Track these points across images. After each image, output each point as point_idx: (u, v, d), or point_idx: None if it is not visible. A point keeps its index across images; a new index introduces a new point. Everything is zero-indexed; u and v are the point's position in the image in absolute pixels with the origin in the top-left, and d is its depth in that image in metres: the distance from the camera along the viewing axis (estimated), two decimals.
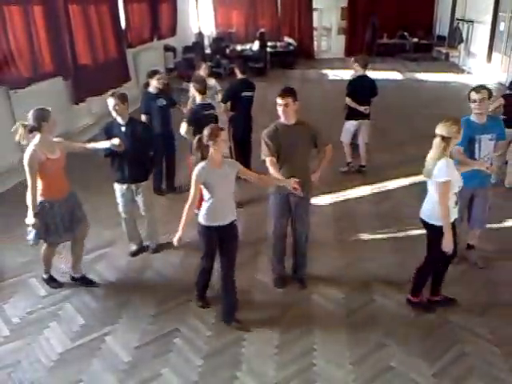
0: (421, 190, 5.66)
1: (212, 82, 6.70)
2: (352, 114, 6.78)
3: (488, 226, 4.87)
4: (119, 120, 4.55)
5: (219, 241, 3.76)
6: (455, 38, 15.71)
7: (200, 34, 16.58)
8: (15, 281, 4.60)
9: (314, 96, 11.72)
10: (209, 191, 3.60)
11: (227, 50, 15.34)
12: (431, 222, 3.74)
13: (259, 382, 3.41)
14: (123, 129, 4.54)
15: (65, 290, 4.44)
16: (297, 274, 4.49)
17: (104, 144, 4.41)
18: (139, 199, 4.81)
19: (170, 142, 6.26)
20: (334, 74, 14.94)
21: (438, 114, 9.50)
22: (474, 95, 4.17)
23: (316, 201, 5.47)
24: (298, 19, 17.79)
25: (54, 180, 4.03)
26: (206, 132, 3.51)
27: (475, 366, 3.48)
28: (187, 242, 5.13)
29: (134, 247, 5.04)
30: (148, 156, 4.80)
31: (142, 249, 5.08)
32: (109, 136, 4.50)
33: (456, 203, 3.69)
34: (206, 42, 16.80)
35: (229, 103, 6.36)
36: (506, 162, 6.40)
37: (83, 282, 4.47)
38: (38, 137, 3.88)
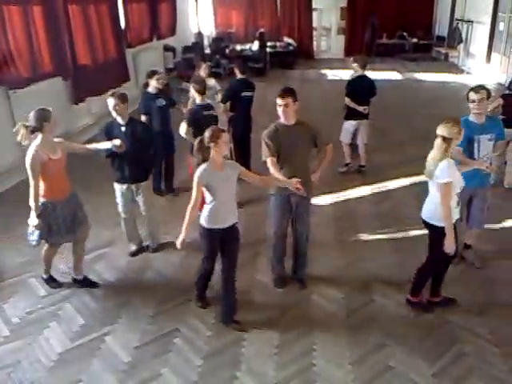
0: (421, 190, 5.67)
1: (212, 82, 6.71)
2: (351, 114, 6.79)
3: (487, 226, 4.88)
4: (119, 120, 4.55)
5: (221, 243, 3.75)
6: (454, 38, 15.73)
7: (199, 34, 16.58)
8: (15, 281, 4.60)
9: (314, 96, 11.73)
10: (211, 194, 3.58)
11: (227, 50, 15.34)
12: (433, 222, 3.74)
13: (259, 382, 3.41)
14: (123, 129, 4.54)
15: (64, 290, 4.44)
16: (297, 274, 4.49)
17: (105, 145, 4.41)
18: (139, 199, 4.81)
19: (169, 143, 6.26)
20: (333, 74, 14.94)
21: (436, 114, 9.57)
22: (472, 95, 4.17)
23: (316, 201, 5.47)
24: (297, 19, 17.80)
25: (56, 180, 4.03)
26: (207, 134, 3.48)
27: (475, 366, 3.48)
28: (188, 243, 5.16)
29: (133, 247, 5.05)
30: (148, 156, 4.80)
31: (141, 249, 5.08)
32: (109, 136, 4.51)
33: (458, 203, 3.70)
34: (206, 42, 16.81)
35: (228, 103, 6.36)
36: (505, 162, 6.41)
37: (85, 283, 4.46)
38: (39, 137, 3.87)
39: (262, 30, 15.63)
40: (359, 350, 3.66)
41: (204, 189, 3.58)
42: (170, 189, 6.48)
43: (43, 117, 3.84)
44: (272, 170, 3.90)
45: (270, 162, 3.93)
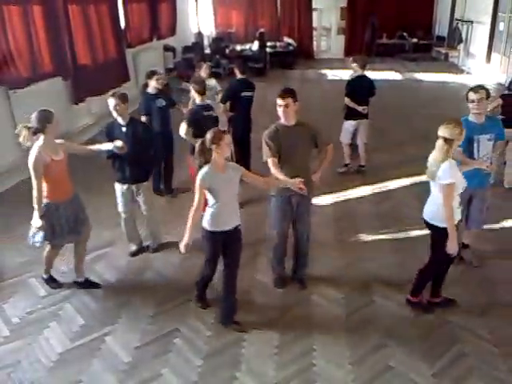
0: (421, 190, 5.67)
1: (212, 82, 6.70)
2: (350, 114, 6.79)
3: (487, 226, 4.89)
4: (120, 120, 4.56)
5: (223, 245, 3.74)
6: (454, 38, 15.73)
7: (199, 34, 16.58)
8: (15, 281, 4.60)
9: (314, 96, 11.73)
10: (213, 196, 3.55)
11: (227, 50, 15.34)
12: (435, 223, 3.74)
13: (259, 382, 3.41)
14: (124, 129, 4.55)
15: (64, 291, 4.44)
16: (297, 274, 4.49)
17: (107, 146, 4.42)
18: (140, 199, 4.82)
19: (169, 143, 6.26)
20: (333, 74, 14.94)
21: (436, 114, 9.59)
22: (472, 95, 4.17)
23: (316, 201, 5.47)
24: (297, 19, 17.80)
25: (59, 182, 4.03)
26: (208, 136, 3.46)
27: (475, 366, 3.49)
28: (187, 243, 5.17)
29: (133, 247, 5.05)
30: (148, 156, 4.80)
31: (141, 249, 5.08)
32: (110, 137, 4.52)
33: (460, 204, 3.71)
34: (206, 42, 16.81)
35: (228, 103, 6.36)
36: (505, 162, 6.41)
37: (86, 285, 4.45)
38: (41, 139, 3.87)
39: (261, 30, 15.63)
40: (359, 350, 3.66)
41: (206, 191, 3.55)
42: (168, 189, 6.47)
43: (45, 118, 3.84)
44: (273, 170, 3.90)
45: (271, 162, 3.93)
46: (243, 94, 6.35)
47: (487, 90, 4.22)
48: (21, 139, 3.82)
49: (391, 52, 17.35)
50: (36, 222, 3.91)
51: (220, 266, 3.89)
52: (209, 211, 3.63)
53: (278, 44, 16.36)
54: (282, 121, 4.00)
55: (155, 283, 4.58)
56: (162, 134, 6.00)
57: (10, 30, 6.58)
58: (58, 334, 3.91)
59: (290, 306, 4.19)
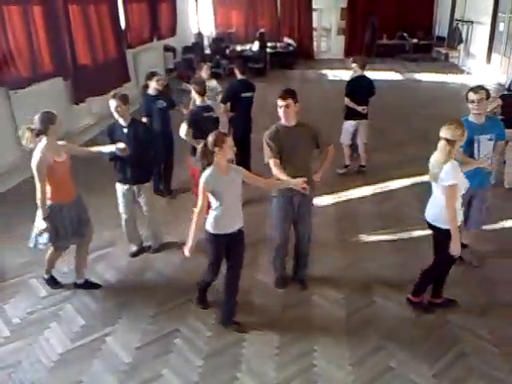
0: (422, 190, 5.67)
1: (213, 83, 6.70)
2: (350, 114, 6.80)
3: (488, 226, 4.89)
4: (121, 122, 4.56)
5: (226, 248, 3.72)
6: (455, 38, 15.74)
7: (200, 35, 16.59)
8: (16, 281, 4.60)
9: (314, 96, 11.73)
10: (217, 199, 3.53)
11: (227, 51, 15.34)
12: (438, 224, 3.74)
13: (259, 382, 3.42)
14: (125, 130, 4.56)
15: (65, 291, 4.44)
16: (297, 274, 4.49)
17: (109, 148, 4.42)
18: (141, 200, 4.82)
19: (169, 144, 6.26)
20: (333, 75, 14.95)
21: (436, 114, 9.59)
22: (472, 96, 4.17)
23: (317, 201, 5.47)
24: (297, 20, 17.81)
25: (62, 183, 4.03)
26: (210, 139, 3.44)
27: (475, 366, 3.49)
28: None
29: (134, 248, 5.05)
30: (150, 157, 4.80)
31: (142, 249, 5.08)
32: (112, 137, 4.54)
33: (462, 205, 3.71)
34: (206, 43, 16.81)
35: (228, 104, 6.37)
36: (504, 162, 6.41)
37: (86, 286, 4.45)
38: (44, 140, 3.87)
39: (262, 30, 15.64)
40: (360, 351, 3.66)
41: (209, 194, 3.53)
42: (168, 190, 6.47)
43: (48, 119, 3.84)
44: (276, 171, 3.89)
45: (272, 163, 3.92)
46: (243, 94, 6.36)
47: (487, 91, 4.22)
48: (24, 142, 3.82)
49: (391, 52, 17.35)
50: (40, 223, 3.91)
51: (222, 269, 3.88)
52: (212, 214, 3.60)
53: (278, 44, 16.36)
54: (283, 121, 4.00)
55: (156, 283, 4.58)
56: (162, 134, 6.00)
57: (11, 30, 6.59)
58: (58, 334, 3.91)
59: (291, 307, 4.19)
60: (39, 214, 3.92)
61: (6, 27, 6.49)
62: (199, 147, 3.55)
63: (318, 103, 10.95)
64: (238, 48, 15.66)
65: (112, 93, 4.64)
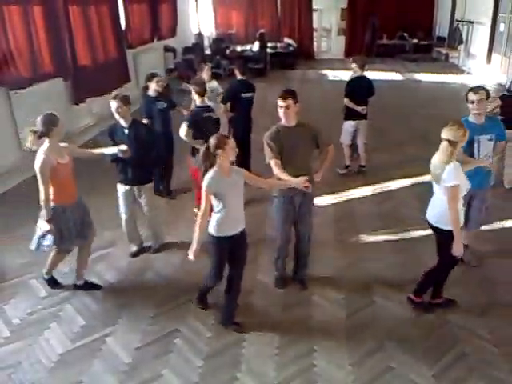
0: (422, 190, 5.67)
1: (214, 84, 6.70)
2: (350, 115, 6.81)
3: (487, 226, 4.88)
4: (122, 123, 4.57)
5: (229, 250, 3.69)
6: (455, 38, 15.75)
7: (200, 35, 16.60)
8: (15, 282, 4.60)
9: (314, 96, 11.74)
10: (220, 201, 3.50)
11: (227, 51, 15.35)
12: (439, 226, 3.74)
13: (259, 382, 3.41)
14: (126, 131, 4.57)
15: (65, 291, 4.44)
16: (297, 274, 4.49)
17: (110, 150, 4.43)
18: (142, 201, 4.83)
19: (169, 144, 6.26)
20: (333, 75, 14.95)
21: (435, 114, 9.59)
22: (471, 96, 4.16)
23: (318, 201, 5.47)
24: (297, 20, 17.83)
25: (65, 185, 4.04)
26: (213, 141, 3.42)
27: (475, 366, 3.49)
28: (187, 243, 5.16)
29: (134, 248, 5.05)
30: (151, 158, 4.80)
31: (142, 250, 5.09)
32: (113, 139, 4.56)
33: (463, 206, 3.71)
34: (206, 43, 16.83)
35: (228, 104, 6.37)
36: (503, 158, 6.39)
37: (86, 287, 4.44)
38: (46, 142, 3.87)
39: (262, 30, 15.65)
40: (360, 351, 3.66)
41: (212, 197, 3.51)
42: (167, 191, 6.48)
43: (51, 122, 3.85)
44: (277, 171, 3.88)
45: (273, 163, 3.92)
46: (243, 95, 6.36)
47: (487, 91, 4.22)
48: (28, 144, 3.84)
49: (391, 53, 17.37)
50: (43, 225, 3.91)
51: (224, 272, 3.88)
52: (215, 217, 3.57)
53: (278, 45, 16.38)
54: (283, 122, 4.01)
55: (156, 284, 4.58)
56: (163, 135, 6.00)
57: (11, 31, 6.59)
58: (58, 334, 3.91)
59: (291, 307, 4.19)
60: (42, 215, 3.92)
61: (7, 27, 6.49)
62: (201, 149, 3.52)
63: (318, 103, 10.95)
64: (239, 48, 15.68)
65: (113, 94, 4.64)
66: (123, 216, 4.87)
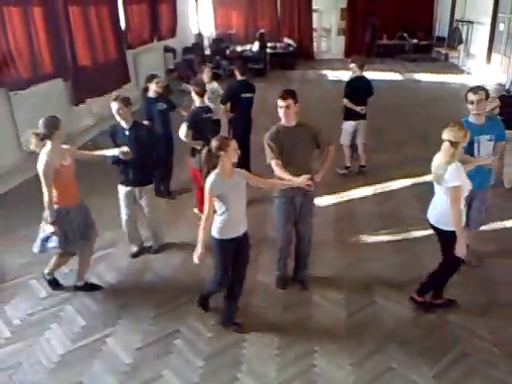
0: (422, 190, 5.67)
1: (215, 85, 6.70)
2: (349, 115, 6.81)
3: (488, 226, 4.88)
4: (123, 124, 4.58)
5: (233, 252, 3.67)
6: (455, 38, 15.75)
7: (200, 35, 16.60)
8: (16, 282, 4.61)
9: (314, 97, 11.74)
10: (222, 203, 3.49)
11: (227, 51, 15.35)
12: (441, 226, 3.74)
13: (260, 383, 3.42)
14: (127, 133, 4.58)
15: (65, 292, 4.43)
16: (298, 275, 4.49)
17: (112, 152, 4.44)
18: (143, 202, 4.84)
19: (169, 145, 6.26)
20: (333, 75, 14.94)
21: (434, 114, 9.58)
22: (471, 96, 4.16)
23: (318, 201, 5.48)
24: (297, 20, 17.82)
25: (68, 187, 4.04)
26: (215, 143, 3.42)
27: (475, 366, 3.49)
28: (187, 243, 5.17)
29: (134, 248, 5.06)
30: (151, 160, 4.81)
31: (142, 250, 5.09)
32: (114, 140, 4.58)
33: (464, 206, 3.71)
34: (206, 43, 16.82)
35: (228, 104, 6.37)
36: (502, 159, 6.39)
37: (86, 288, 4.44)
38: (49, 144, 3.88)
39: (262, 30, 15.65)
40: (360, 351, 3.66)
41: (215, 199, 3.49)
42: (167, 191, 6.48)
43: (53, 124, 3.85)
44: (278, 171, 3.88)
45: (274, 163, 3.92)
46: (243, 95, 6.36)
47: (486, 91, 4.21)
48: (32, 146, 3.85)
49: (391, 53, 17.36)
50: (48, 227, 3.91)
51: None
52: (217, 219, 3.55)
53: (278, 45, 16.37)
54: (283, 122, 4.01)
55: (156, 284, 4.58)
56: (163, 136, 6.00)
57: (11, 32, 6.59)
58: (58, 335, 3.91)
59: (291, 307, 4.19)
60: (46, 218, 3.92)
61: (7, 28, 6.50)
62: (204, 151, 3.50)
63: (318, 104, 10.95)
64: (238, 49, 15.67)
65: (114, 95, 4.64)
66: (123, 217, 4.87)
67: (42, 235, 4.00)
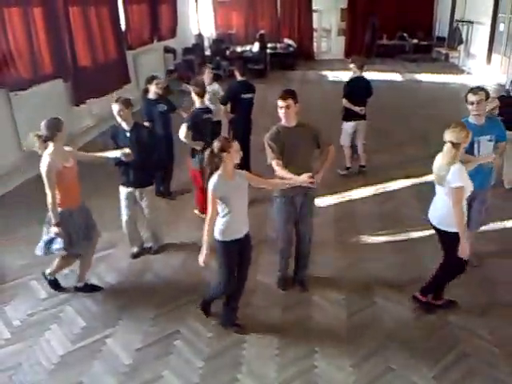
0: (422, 190, 5.67)
1: (215, 87, 6.71)
2: (349, 115, 6.80)
3: (488, 226, 4.88)
4: (124, 126, 4.58)
5: (237, 253, 3.66)
6: (455, 38, 15.74)
7: (200, 36, 16.61)
8: (16, 283, 4.61)
9: (314, 97, 11.74)
10: (225, 205, 3.48)
11: (227, 52, 15.35)
12: (442, 227, 3.74)
13: (260, 383, 3.41)
14: (128, 134, 4.58)
15: (65, 293, 4.43)
16: (297, 275, 4.48)
17: (114, 153, 4.45)
18: (143, 203, 4.84)
19: (169, 146, 6.26)
20: (333, 76, 14.94)
21: (434, 115, 9.56)
22: (471, 97, 4.15)
23: (318, 201, 5.47)
24: (297, 20, 17.82)
25: (71, 188, 4.04)
26: (217, 144, 3.41)
27: (475, 367, 3.48)
28: (187, 244, 5.18)
29: (134, 249, 5.05)
30: (152, 161, 4.81)
31: (143, 251, 5.09)
32: (115, 141, 4.59)
33: (465, 207, 3.71)
34: (206, 44, 16.83)
35: (229, 105, 6.37)
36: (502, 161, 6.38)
37: (86, 289, 4.43)
38: (51, 146, 3.88)
39: (262, 31, 15.66)
40: (360, 352, 3.66)
41: (218, 200, 3.47)
42: (167, 192, 6.48)
43: (55, 126, 3.86)
44: (280, 171, 3.87)
45: (275, 163, 3.92)
46: (243, 95, 6.36)
47: (487, 92, 4.20)
48: (37, 149, 3.86)
49: (391, 53, 17.37)
50: (52, 229, 3.91)
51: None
52: (220, 221, 3.54)
53: (278, 45, 16.36)
54: (283, 122, 4.01)
55: (156, 285, 4.58)
56: (164, 138, 6.00)
57: (11, 32, 6.59)
58: (58, 336, 3.91)
59: (291, 308, 4.19)
60: (50, 220, 3.92)
61: (7, 29, 6.50)
62: (206, 152, 3.49)
63: (318, 104, 10.95)
64: (238, 49, 15.66)
65: (115, 96, 4.64)
66: (124, 217, 4.87)
67: (45, 238, 4.00)
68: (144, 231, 5.16)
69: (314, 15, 17.97)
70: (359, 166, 7.14)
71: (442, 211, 3.72)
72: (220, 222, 3.54)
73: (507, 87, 9.96)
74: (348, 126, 6.87)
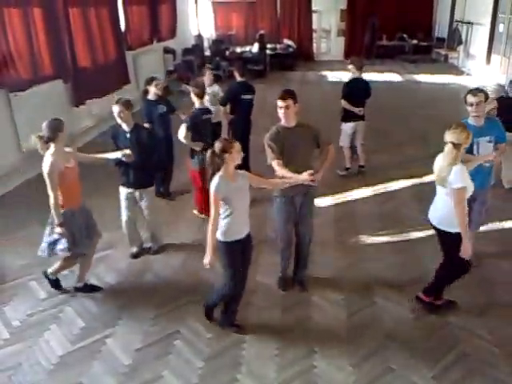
0: (421, 190, 5.67)
1: (215, 88, 6.71)
2: (348, 116, 6.81)
3: (487, 227, 4.88)
4: (124, 127, 4.59)
5: (240, 253, 3.66)
6: (454, 39, 15.76)
7: (199, 37, 16.62)
8: (15, 283, 4.60)
9: (314, 98, 11.75)
10: (227, 206, 3.47)
11: (227, 52, 15.36)
12: (443, 228, 3.74)
13: (259, 383, 3.42)
14: (128, 136, 4.59)
15: (65, 293, 4.43)
16: (297, 275, 4.48)
17: (114, 154, 4.46)
18: (143, 204, 4.84)
19: (169, 147, 6.26)
20: (333, 76, 14.95)
21: (434, 115, 9.57)
22: (470, 98, 4.14)
23: (318, 202, 5.47)
24: (297, 21, 17.84)
25: (72, 189, 4.05)
26: (219, 145, 3.40)
27: (475, 367, 3.48)
28: (187, 244, 5.18)
29: (134, 249, 5.05)
30: (152, 162, 4.81)
31: (142, 251, 5.09)
32: (115, 142, 4.60)
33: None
34: (206, 44, 16.84)
35: (228, 106, 6.37)
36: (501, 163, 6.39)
37: (86, 289, 4.43)
38: (52, 147, 3.88)
39: (261, 32, 15.66)
40: (360, 352, 3.66)
41: (220, 202, 3.46)
42: (166, 192, 6.48)
43: (57, 127, 3.86)
44: (280, 171, 3.87)
45: (276, 163, 3.92)
46: (243, 96, 6.36)
47: (486, 93, 4.19)
48: (39, 150, 3.87)
49: (391, 54, 17.39)
50: (56, 229, 3.91)
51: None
52: (222, 222, 3.53)
53: (277, 46, 16.38)
54: (283, 122, 4.01)
55: (155, 285, 4.58)
56: (163, 139, 6.00)
57: (11, 33, 6.60)
58: (58, 336, 3.91)
59: (291, 308, 4.19)
60: (52, 221, 3.92)
61: (7, 29, 6.50)
62: (208, 153, 3.48)
63: (317, 105, 10.96)
64: (238, 50, 15.67)
65: (115, 98, 4.65)
66: (124, 218, 4.88)
67: (48, 239, 4.00)
68: (144, 232, 5.16)
69: (314, 16, 17.99)
70: (358, 165, 7.15)
71: (443, 211, 3.72)
72: (222, 223, 3.54)
73: (506, 88, 9.96)
74: (347, 127, 6.88)
